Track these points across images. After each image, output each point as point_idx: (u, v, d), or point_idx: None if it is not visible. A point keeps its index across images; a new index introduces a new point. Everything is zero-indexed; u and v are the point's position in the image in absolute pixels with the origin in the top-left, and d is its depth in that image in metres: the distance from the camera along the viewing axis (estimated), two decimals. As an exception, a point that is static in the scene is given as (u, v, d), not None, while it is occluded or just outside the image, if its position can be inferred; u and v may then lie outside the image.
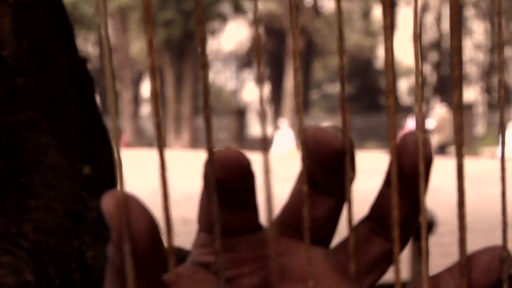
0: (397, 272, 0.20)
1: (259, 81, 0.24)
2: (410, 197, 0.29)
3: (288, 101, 21.33)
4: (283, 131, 15.93)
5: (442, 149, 14.61)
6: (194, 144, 19.86)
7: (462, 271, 0.25)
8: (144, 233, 0.25)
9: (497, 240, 0.30)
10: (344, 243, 0.31)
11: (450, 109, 15.60)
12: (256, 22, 0.22)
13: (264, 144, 0.24)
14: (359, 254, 0.31)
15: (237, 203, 0.29)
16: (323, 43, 23.15)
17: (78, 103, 0.61)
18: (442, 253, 4.30)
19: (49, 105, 0.57)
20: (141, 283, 0.27)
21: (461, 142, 0.21)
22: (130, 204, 0.25)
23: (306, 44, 22.23)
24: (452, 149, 14.84)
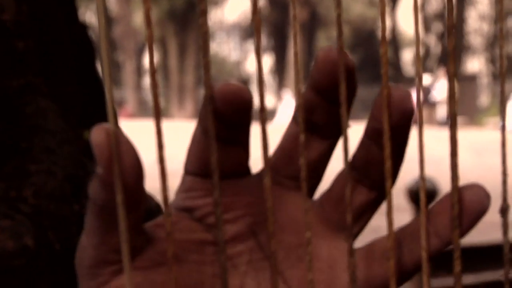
0: (390, 224, 0.19)
1: (257, 53, 0.23)
2: (395, 144, 0.28)
3: (292, 71, 21.23)
4: (286, 101, 15.90)
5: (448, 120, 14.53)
6: (197, 114, 19.82)
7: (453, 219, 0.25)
8: (133, 167, 0.25)
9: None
10: (329, 192, 0.31)
11: (456, 80, 15.46)
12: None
13: (262, 116, 0.24)
14: (345, 204, 0.30)
15: (231, 140, 0.28)
16: (327, 13, 23.02)
17: (79, 68, 0.60)
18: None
19: (49, 69, 0.56)
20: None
21: (453, 91, 0.21)
22: (120, 138, 0.24)
23: (310, 15, 22.10)
24: (458, 119, 14.77)
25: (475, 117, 16.96)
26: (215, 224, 0.29)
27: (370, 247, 0.30)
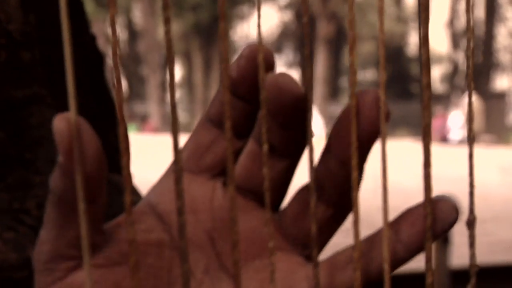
0: (357, 235, 0.18)
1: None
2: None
3: (318, 88, 21.29)
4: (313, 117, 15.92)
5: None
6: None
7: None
8: (94, 157, 0.24)
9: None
10: (286, 209, 0.30)
11: (479, 97, 15.42)
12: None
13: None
14: (303, 221, 0.30)
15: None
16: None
17: (86, 79, 0.60)
18: (468, 242, 4.26)
19: (55, 80, 0.56)
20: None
21: (428, 102, 0.20)
22: (82, 127, 0.24)
23: (336, 30, 22.14)
24: (481, 137, 14.70)
25: (502, 135, 16.83)
26: (174, 224, 0.29)
27: (335, 257, 0.30)
